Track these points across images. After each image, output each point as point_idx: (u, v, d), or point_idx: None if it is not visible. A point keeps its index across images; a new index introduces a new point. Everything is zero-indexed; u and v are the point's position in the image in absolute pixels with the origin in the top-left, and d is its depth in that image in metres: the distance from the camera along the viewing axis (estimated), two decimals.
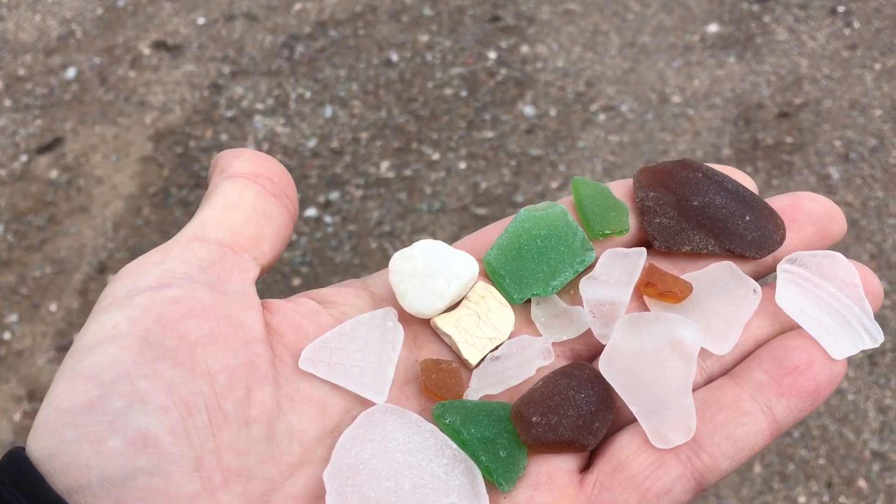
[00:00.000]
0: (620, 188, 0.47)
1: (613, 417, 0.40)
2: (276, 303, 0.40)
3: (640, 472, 0.37)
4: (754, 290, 0.41)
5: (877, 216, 1.61)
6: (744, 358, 0.40)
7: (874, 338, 0.40)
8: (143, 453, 0.31)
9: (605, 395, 0.40)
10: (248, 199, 0.39)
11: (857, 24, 2.00)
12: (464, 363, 0.41)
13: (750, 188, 0.45)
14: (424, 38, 2.08)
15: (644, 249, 0.44)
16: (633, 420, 0.39)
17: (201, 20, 2.13)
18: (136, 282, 0.35)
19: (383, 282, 0.43)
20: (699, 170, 0.45)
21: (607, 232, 0.44)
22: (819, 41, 1.97)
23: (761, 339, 0.41)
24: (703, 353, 0.40)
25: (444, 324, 0.41)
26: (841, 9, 2.05)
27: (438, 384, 0.39)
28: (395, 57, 2.02)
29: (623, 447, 0.38)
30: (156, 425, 0.31)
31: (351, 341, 0.39)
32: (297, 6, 2.14)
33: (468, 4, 2.14)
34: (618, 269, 0.43)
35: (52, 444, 0.31)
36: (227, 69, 2.03)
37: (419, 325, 0.43)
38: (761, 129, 1.80)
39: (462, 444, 0.37)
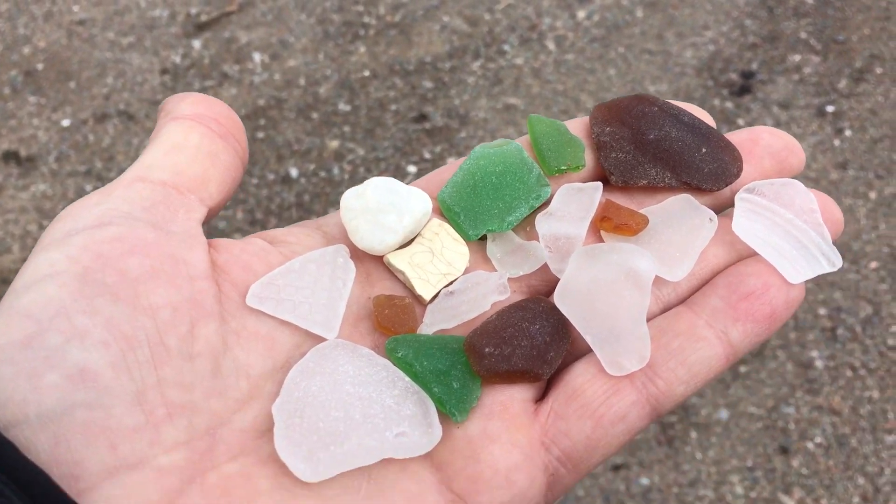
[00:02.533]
0: (577, 125, 0.46)
1: (569, 349, 0.39)
2: (223, 242, 0.38)
3: (594, 399, 0.36)
4: (710, 219, 0.40)
5: (871, 431, 1.28)
6: (700, 286, 0.40)
7: (832, 262, 0.39)
8: (82, 387, 0.29)
9: (559, 326, 0.38)
10: (193, 140, 0.37)
11: (848, 132, 1.62)
12: (417, 299, 0.40)
13: (707, 122, 0.44)
14: (335, 143, 1.68)
15: (600, 184, 0.42)
16: (589, 352, 0.38)
17: (66, 121, 1.71)
18: (74, 222, 0.33)
19: (336, 222, 0.42)
20: (655, 104, 0.44)
21: (563, 168, 0.43)
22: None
23: (718, 267, 0.40)
24: (660, 282, 0.39)
25: (398, 260, 0.40)
26: (830, 108, 1.67)
27: (391, 319, 0.38)
28: (294, 172, 1.63)
29: (578, 376, 0.37)
30: (95, 360, 0.30)
31: (300, 278, 0.37)
32: None
33: (392, 97, 1.73)
34: (573, 204, 0.42)
35: None
36: (89, 186, 1.63)
37: (372, 263, 0.41)
38: None
39: (415, 376, 0.36)
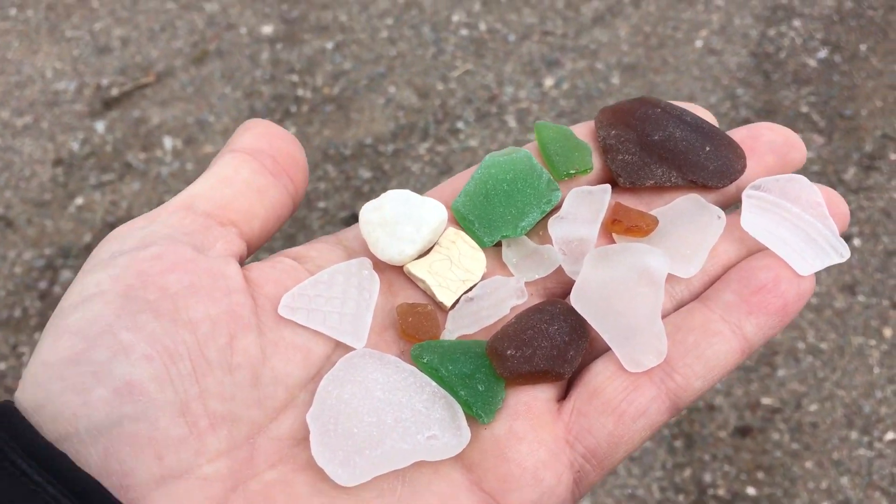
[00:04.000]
0: (583, 130, 0.46)
1: (588, 348, 0.39)
2: (253, 264, 0.39)
3: (615, 397, 0.36)
4: (718, 217, 0.41)
5: None
6: (712, 283, 0.40)
7: (840, 253, 0.39)
8: (129, 400, 0.30)
9: (577, 326, 0.39)
10: (243, 175, 0.38)
11: (857, 241, 1.33)
12: (439, 306, 0.40)
13: (710, 121, 0.44)
14: None
15: (608, 186, 0.43)
16: (608, 350, 0.38)
17: None
18: (120, 244, 0.35)
19: (355, 235, 0.42)
20: (658, 105, 0.44)
21: (571, 172, 0.43)
22: None
23: (728, 263, 0.40)
24: (673, 280, 0.40)
25: (417, 269, 0.40)
26: None
27: (415, 327, 0.38)
28: None
29: (598, 374, 0.37)
30: (140, 374, 0.31)
31: (329, 289, 0.38)
32: (79, 200, 1.45)
33: (322, 191, 1.45)
34: (584, 206, 0.42)
35: (39, 396, 0.30)
36: None
37: (393, 273, 0.42)
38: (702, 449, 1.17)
39: (441, 381, 0.37)
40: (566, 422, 0.36)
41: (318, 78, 1.67)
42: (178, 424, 0.31)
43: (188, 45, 1.76)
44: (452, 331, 0.40)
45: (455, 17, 1.85)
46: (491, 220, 0.42)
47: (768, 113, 1.63)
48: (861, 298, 1.23)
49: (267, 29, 1.80)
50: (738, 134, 0.44)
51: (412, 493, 0.33)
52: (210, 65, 1.69)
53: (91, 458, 0.29)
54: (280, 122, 1.56)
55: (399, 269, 0.41)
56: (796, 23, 1.85)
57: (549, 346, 0.37)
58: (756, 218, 0.40)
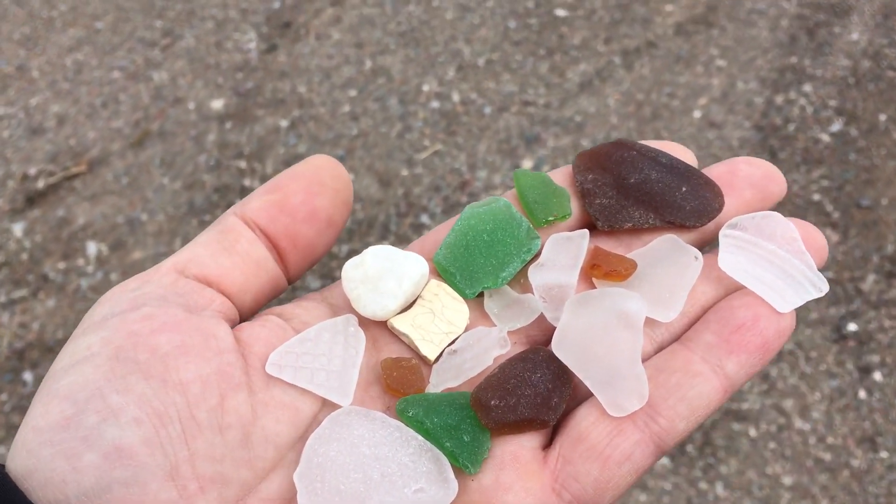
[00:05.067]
0: (561, 175, 0.46)
1: (571, 394, 0.39)
2: (242, 324, 0.38)
3: (599, 442, 0.35)
4: (696, 257, 0.41)
5: None
6: (692, 324, 0.39)
7: (818, 288, 0.39)
8: (119, 465, 0.30)
9: (560, 373, 0.38)
10: (242, 247, 0.37)
11: (878, 375, 1.11)
12: (423, 359, 0.40)
13: (688, 160, 0.44)
14: None
15: (586, 231, 0.42)
16: (591, 396, 0.38)
17: None
18: (112, 307, 0.34)
19: (339, 292, 0.41)
20: (633, 148, 0.44)
21: (550, 218, 0.43)
22: (813, 422, 1.09)
23: (707, 304, 0.40)
24: (652, 323, 0.40)
25: (401, 324, 0.40)
26: (852, 327, 1.16)
27: (399, 381, 0.38)
28: None
29: (581, 420, 0.36)
30: (129, 437, 0.30)
31: (315, 346, 0.37)
32: None
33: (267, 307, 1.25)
34: (563, 253, 0.42)
35: (28, 462, 0.30)
36: None
37: (377, 329, 0.41)
38: None
39: (426, 433, 0.36)
40: (552, 469, 0.35)
41: (269, 164, 1.47)
42: (168, 488, 0.30)
43: (129, 124, 1.58)
44: (437, 384, 0.39)
45: (426, 87, 1.65)
46: (472, 272, 0.41)
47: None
48: (884, 454, 1.02)
49: (217, 104, 1.61)
50: (715, 170, 0.43)
51: None
52: (150, 149, 1.50)
53: None
54: None
55: (383, 324, 0.41)
56: (807, 87, 1.64)
57: (533, 394, 0.37)
58: (733, 257, 0.40)
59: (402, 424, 0.37)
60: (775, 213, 0.41)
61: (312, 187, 0.38)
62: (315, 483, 0.33)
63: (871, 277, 1.25)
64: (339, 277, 0.42)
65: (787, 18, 1.81)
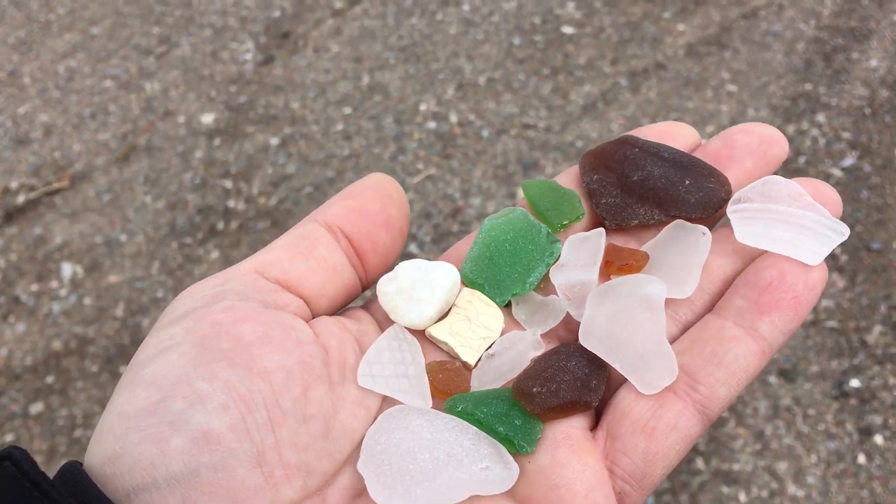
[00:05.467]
0: (568, 177, 0.46)
1: (608, 379, 0.39)
2: (315, 320, 0.38)
3: (643, 416, 0.35)
4: (703, 233, 0.40)
5: None
6: (714, 301, 0.39)
7: (840, 232, 0.39)
8: (206, 450, 0.30)
9: (594, 359, 0.39)
10: (320, 252, 0.38)
11: (880, 438, 1.04)
12: (464, 365, 0.40)
13: (691, 141, 0.44)
14: None
15: (602, 230, 0.42)
16: (626, 381, 0.38)
17: None
18: (192, 301, 0.35)
19: (377, 307, 0.42)
20: (636, 145, 0.44)
21: (565, 222, 0.44)
22: (808, 488, 1.02)
23: (727, 277, 0.39)
24: (675, 305, 0.39)
25: (439, 332, 0.40)
26: (854, 384, 1.09)
27: (445, 382, 0.38)
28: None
29: (622, 399, 0.37)
30: (217, 423, 0.30)
31: (391, 354, 0.38)
32: None
33: None
34: (581, 252, 0.42)
35: (115, 447, 0.30)
36: None
37: (415, 338, 0.41)
38: None
39: (478, 423, 0.37)
40: (602, 446, 0.36)
41: (255, 184, 1.42)
42: (255, 475, 0.30)
43: (116, 137, 1.53)
44: (478, 388, 0.40)
45: (423, 106, 1.59)
46: (499, 281, 0.42)
47: None
48: None
49: (207, 118, 1.56)
50: (712, 146, 0.43)
51: None
52: (135, 164, 1.45)
53: None
54: (203, 241, 1.32)
55: (420, 334, 0.41)
56: (820, 117, 1.56)
57: (572, 379, 0.37)
58: (747, 228, 0.39)
59: (455, 417, 0.37)
60: (775, 177, 0.40)
61: (384, 197, 0.40)
62: (382, 467, 0.33)
63: (877, 329, 1.17)
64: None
65: (804, 42, 1.72)
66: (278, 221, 1.36)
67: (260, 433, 0.32)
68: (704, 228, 0.41)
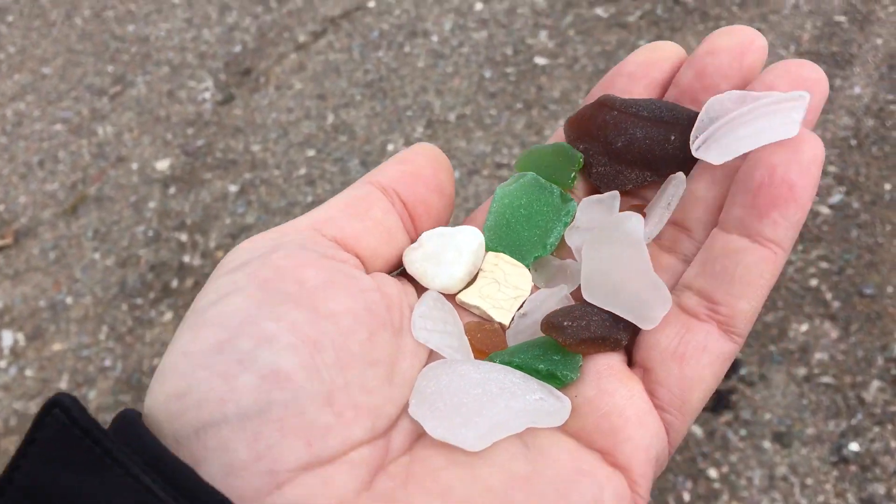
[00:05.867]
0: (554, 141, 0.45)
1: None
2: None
3: (670, 344, 0.35)
4: (676, 177, 0.40)
5: None
6: (708, 229, 0.38)
7: (800, 96, 0.36)
8: (277, 388, 0.30)
9: None
10: (375, 213, 0.38)
11: (880, 487, 0.96)
12: (499, 326, 0.40)
13: (674, 57, 0.42)
14: None
15: (617, 193, 0.42)
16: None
17: None
18: (250, 252, 0.34)
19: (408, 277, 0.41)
20: (613, 107, 0.42)
21: (573, 175, 0.43)
22: None
23: (713, 201, 0.38)
24: (679, 241, 0.39)
25: (470, 297, 0.40)
26: (854, 447, 1.01)
27: (483, 342, 0.38)
28: None
29: (647, 336, 0.37)
30: (286, 362, 0.30)
31: (437, 314, 0.38)
32: None
33: None
34: (596, 213, 0.42)
35: (181, 384, 0.29)
36: None
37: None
38: None
39: (519, 367, 0.37)
40: (640, 379, 0.35)
41: (212, 237, 1.32)
42: (326, 413, 0.30)
43: (65, 187, 1.43)
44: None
45: (391, 146, 1.51)
46: (519, 246, 0.42)
47: None
48: None
49: (162, 164, 1.47)
50: (684, 78, 0.40)
51: (540, 454, 0.33)
52: (84, 217, 1.35)
53: (239, 444, 0.28)
54: (156, 302, 1.23)
55: (451, 300, 0.41)
56: None
57: (599, 318, 0.37)
58: (716, 148, 0.38)
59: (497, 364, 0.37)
60: (717, 96, 0.38)
61: (435, 163, 0.40)
62: (436, 404, 0.33)
63: (874, 384, 1.10)
64: None
65: None
66: None
67: (329, 373, 0.31)
68: (679, 173, 0.40)
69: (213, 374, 0.29)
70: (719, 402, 1.11)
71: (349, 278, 0.35)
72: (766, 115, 0.37)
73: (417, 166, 0.39)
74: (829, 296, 1.24)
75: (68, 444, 0.27)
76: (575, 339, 0.37)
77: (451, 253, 0.40)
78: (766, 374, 1.14)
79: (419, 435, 0.34)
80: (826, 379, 1.12)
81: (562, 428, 0.35)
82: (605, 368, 0.36)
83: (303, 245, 0.35)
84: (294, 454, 0.29)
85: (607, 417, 0.34)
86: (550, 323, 0.37)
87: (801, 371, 1.14)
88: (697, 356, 0.35)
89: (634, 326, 0.38)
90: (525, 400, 0.34)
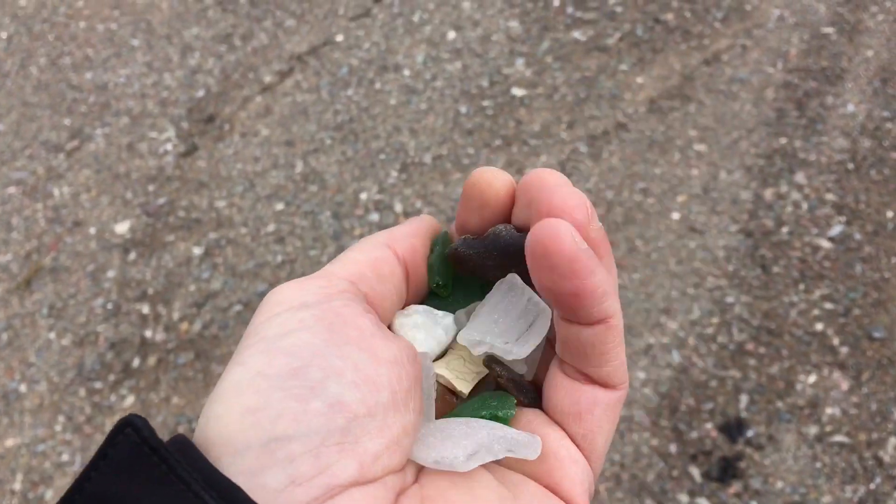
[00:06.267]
0: None
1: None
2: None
3: (566, 408, 0.38)
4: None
5: None
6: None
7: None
8: (340, 416, 0.33)
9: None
10: (394, 280, 0.41)
11: None
12: (457, 395, 0.43)
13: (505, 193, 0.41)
14: None
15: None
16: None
17: None
18: (302, 294, 0.37)
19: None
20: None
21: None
22: None
23: None
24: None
25: (437, 367, 0.43)
26: None
27: (441, 409, 0.41)
28: None
29: (549, 400, 0.39)
30: (349, 396, 0.34)
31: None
32: None
33: None
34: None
35: (259, 400, 0.32)
36: None
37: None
38: None
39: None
40: (559, 427, 0.39)
41: (176, 307, 1.23)
42: (376, 443, 0.34)
43: (18, 258, 1.34)
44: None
45: (364, 195, 1.42)
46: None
47: (770, 333, 1.18)
48: None
49: (122, 227, 1.37)
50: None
51: (513, 485, 0.36)
52: (38, 292, 1.26)
53: (305, 458, 0.31)
54: (116, 385, 1.13)
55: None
56: (800, 177, 1.40)
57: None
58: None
59: None
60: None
61: (432, 236, 0.42)
62: (427, 440, 0.37)
63: (892, 441, 1.01)
64: None
65: (773, 87, 1.57)
66: (203, 352, 1.17)
67: (382, 412, 0.34)
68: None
69: (289, 395, 0.33)
70: (727, 470, 1.02)
71: (389, 333, 0.39)
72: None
73: (423, 239, 0.42)
74: (836, 341, 1.15)
75: (137, 460, 0.30)
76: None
77: (439, 330, 0.44)
78: (774, 435, 1.05)
79: (419, 468, 0.38)
80: (839, 437, 1.03)
81: (514, 468, 0.38)
82: (534, 417, 0.39)
83: (353, 297, 0.38)
84: (347, 473, 0.32)
85: (546, 459, 0.37)
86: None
87: (813, 430, 1.05)
88: (591, 411, 0.38)
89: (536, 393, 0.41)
90: (504, 431, 0.37)
